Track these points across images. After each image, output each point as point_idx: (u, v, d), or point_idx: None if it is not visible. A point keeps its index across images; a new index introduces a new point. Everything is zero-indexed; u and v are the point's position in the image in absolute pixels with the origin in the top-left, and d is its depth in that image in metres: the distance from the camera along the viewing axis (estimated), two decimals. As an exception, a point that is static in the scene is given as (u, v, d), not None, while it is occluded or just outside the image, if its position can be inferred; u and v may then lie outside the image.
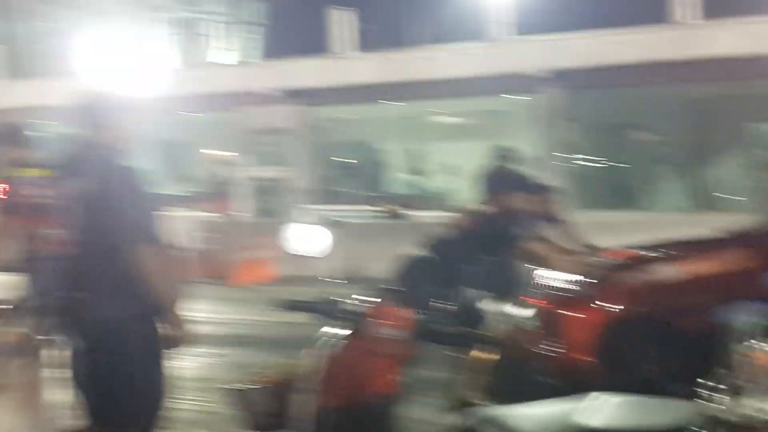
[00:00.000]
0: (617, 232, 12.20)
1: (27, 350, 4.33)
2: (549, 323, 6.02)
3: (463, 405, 5.38)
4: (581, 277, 5.94)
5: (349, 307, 3.10)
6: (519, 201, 5.71)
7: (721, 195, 16.47)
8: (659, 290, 5.61)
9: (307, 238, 15.08)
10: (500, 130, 17.00)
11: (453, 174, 17.67)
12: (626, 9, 17.34)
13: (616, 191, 17.47)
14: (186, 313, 3.65)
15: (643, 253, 6.39)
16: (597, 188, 17.44)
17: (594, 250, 6.88)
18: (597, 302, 5.82)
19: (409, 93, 17.28)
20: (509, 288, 8.45)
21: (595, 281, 5.86)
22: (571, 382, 6.01)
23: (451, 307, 5.28)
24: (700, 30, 15.31)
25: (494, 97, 17.08)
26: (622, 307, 5.69)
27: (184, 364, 4.16)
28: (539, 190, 6.96)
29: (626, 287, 5.70)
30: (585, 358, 5.77)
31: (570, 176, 16.09)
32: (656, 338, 5.68)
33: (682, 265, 5.59)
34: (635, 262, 5.95)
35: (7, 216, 4.66)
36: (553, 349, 5.93)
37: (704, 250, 6.01)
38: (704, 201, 16.35)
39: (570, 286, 6.08)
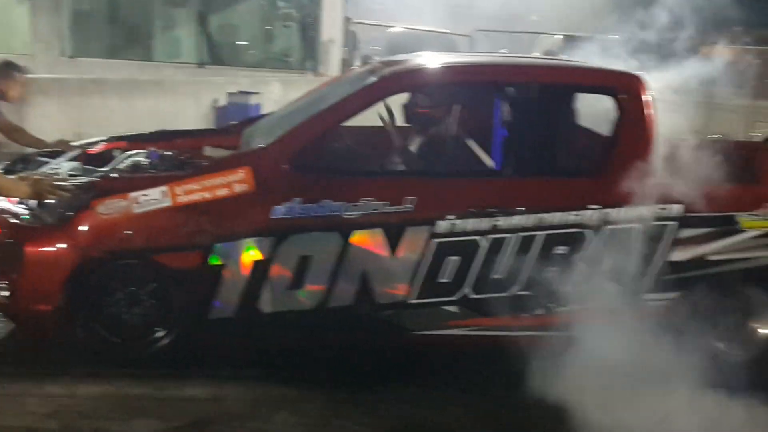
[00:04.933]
0: (121, 89, 10.60)
1: None
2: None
3: None
4: (41, 201, 4.35)
5: None
6: None
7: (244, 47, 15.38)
8: (142, 220, 4.24)
9: None
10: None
11: None
12: None
13: (120, 36, 15.20)
14: None
15: (127, 160, 4.91)
16: (98, 31, 15.01)
17: (62, 147, 5.26)
18: (61, 234, 4.26)
19: None
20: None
21: (62, 206, 4.32)
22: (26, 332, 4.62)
23: None
24: None
25: None
26: (92, 242, 4.23)
27: None
28: None
29: (98, 217, 4.22)
30: (42, 306, 4.26)
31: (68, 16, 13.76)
32: (139, 279, 4.36)
33: (172, 184, 4.27)
34: (113, 182, 4.45)
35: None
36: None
37: (205, 161, 4.76)
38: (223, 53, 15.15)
39: (25, 212, 4.43)
